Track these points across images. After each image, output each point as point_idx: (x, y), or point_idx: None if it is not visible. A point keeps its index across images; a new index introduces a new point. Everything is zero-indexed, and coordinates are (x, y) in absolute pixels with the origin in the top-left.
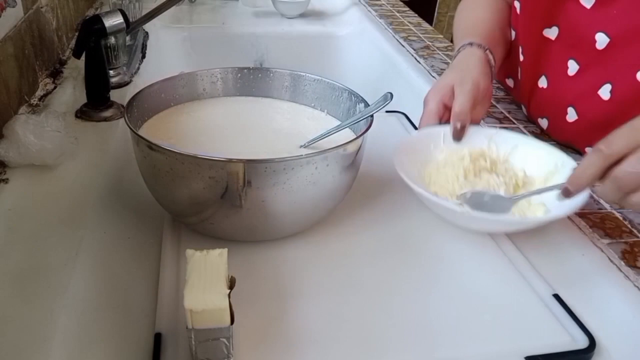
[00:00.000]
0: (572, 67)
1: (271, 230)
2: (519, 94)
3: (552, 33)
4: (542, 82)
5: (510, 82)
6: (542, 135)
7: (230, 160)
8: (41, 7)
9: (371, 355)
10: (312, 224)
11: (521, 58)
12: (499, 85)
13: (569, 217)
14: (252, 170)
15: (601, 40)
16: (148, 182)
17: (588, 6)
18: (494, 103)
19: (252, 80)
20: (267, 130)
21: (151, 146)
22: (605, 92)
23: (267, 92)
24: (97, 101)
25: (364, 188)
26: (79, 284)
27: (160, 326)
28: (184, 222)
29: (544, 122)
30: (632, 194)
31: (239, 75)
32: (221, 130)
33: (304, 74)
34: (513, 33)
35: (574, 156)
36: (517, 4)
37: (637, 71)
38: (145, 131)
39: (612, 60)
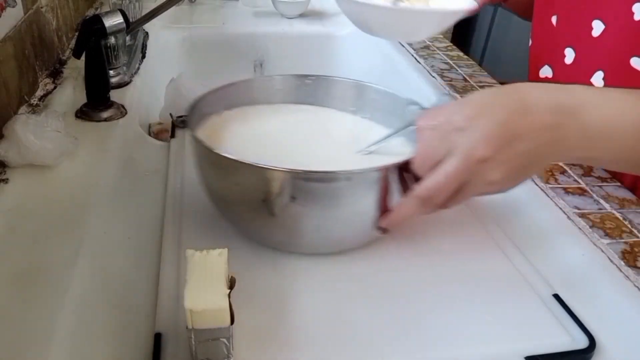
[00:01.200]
0: (570, 56)
1: (323, 244)
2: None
3: (555, 20)
4: (547, 72)
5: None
6: None
7: (287, 170)
8: (41, 7)
9: (371, 355)
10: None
11: (529, 43)
12: (499, 86)
13: (568, 217)
14: (301, 181)
15: (597, 27)
16: (202, 178)
17: None
18: None
19: (311, 88)
20: (323, 139)
21: (208, 150)
22: (597, 79)
23: (326, 102)
24: (97, 101)
25: None
26: (79, 284)
27: (160, 326)
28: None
29: None
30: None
31: (298, 82)
32: (277, 137)
33: (369, 84)
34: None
35: None
36: None
37: (631, 57)
38: (204, 133)
39: (605, 47)
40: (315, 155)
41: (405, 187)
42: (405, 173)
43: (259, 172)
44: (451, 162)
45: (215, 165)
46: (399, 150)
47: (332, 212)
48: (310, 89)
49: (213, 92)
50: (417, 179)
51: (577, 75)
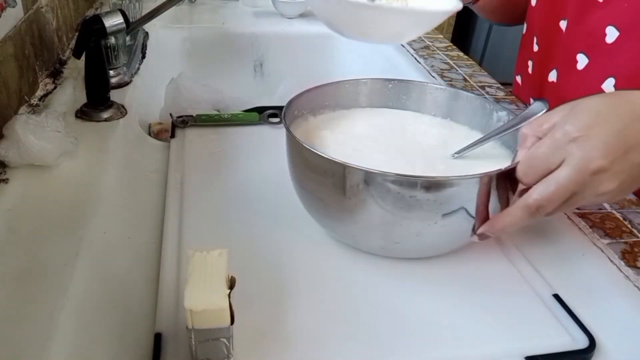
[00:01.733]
0: (582, 61)
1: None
2: (529, 89)
3: (564, 25)
4: (552, 76)
5: (519, 79)
6: None
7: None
8: (41, 7)
9: (371, 355)
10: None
11: (535, 48)
12: (499, 86)
13: (568, 217)
14: (404, 187)
15: (611, 33)
16: (293, 173)
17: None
18: None
19: (393, 92)
20: (413, 143)
21: (301, 146)
22: (609, 86)
23: (408, 105)
24: (97, 101)
25: None
26: (79, 284)
27: (160, 326)
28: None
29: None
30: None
31: (380, 86)
32: (367, 140)
33: (455, 88)
34: (525, 26)
35: None
36: None
37: None
38: (298, 131)
39: (619, 54)
40: (410, 160)
41: (502, 194)
42: (501, 180)
43: (367, 176)
44: (564, 172)
45: (315, 165)
46: (491, 156)
47: (434, 218)
48: (392, 92)
49: (302, 94)
50: (513, 185)
51: (589, 82)
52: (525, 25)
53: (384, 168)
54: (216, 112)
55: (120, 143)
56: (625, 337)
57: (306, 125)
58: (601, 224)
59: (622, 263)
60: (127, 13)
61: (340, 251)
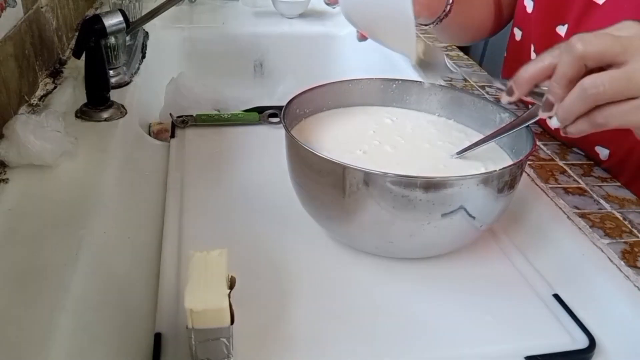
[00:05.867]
0: None
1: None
2: None
3: (563, 30)
4: None
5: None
6: (550, 135)
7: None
8: (41, 7)
9: (371, 355)
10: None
11: (533, 56)
12: (499, 86)
13: (568, 217)
14: (407, 189)
15: None
16: (292, 172)
17: (600, 2)
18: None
19: (397, 92)
20: (414, 142)
21: (298, 145)
22: None
23: (411, 105)
24: (97, 101)
25: None
26: (79, 284)
27: (160, 326)
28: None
29: (552, 122)
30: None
31: (383, 86)
32: (365, 139)
33: (458, 89)
34: (519, 33)
35: (578, 156)
36: (528, 2)
37: None
38: (298, 131)
39: None
40: (412, 160)
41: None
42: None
43: (366, 177)
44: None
45: (314, 165)
46: (492, 156)
47: (434, 217)
48: (396, 92)
49: (302, 94)
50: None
51: None
52: (520, 32)
53: (384, 168)
54: (216, 112)
55: (120, 143)
56: (625, 337)
57: (306, 125)
58: (601, 224)
59: (622, 263)
60: (127, 13)
61: (340, 251)
